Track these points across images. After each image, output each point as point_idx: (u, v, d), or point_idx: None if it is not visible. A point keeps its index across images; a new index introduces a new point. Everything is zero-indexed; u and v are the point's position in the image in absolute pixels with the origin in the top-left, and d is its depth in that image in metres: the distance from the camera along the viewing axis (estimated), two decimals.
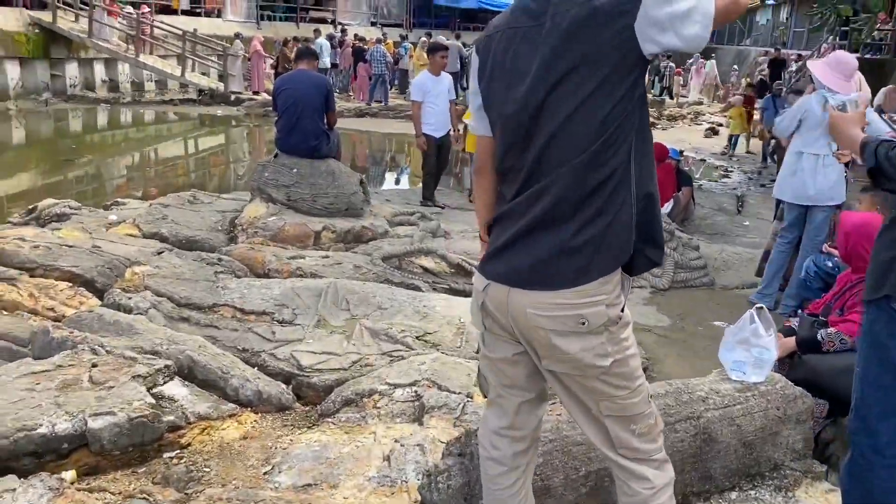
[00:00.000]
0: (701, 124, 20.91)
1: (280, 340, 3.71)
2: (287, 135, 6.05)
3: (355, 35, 23.08)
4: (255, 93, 20.19)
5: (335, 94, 6.27)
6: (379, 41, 20.28)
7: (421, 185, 8.37)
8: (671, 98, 23.99)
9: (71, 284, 4.38)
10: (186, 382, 3.22)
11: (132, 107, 19.39)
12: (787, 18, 31.58)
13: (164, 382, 3.16)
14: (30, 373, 3.07)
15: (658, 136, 19.42)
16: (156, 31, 20.25)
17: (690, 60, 25.13)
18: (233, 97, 19.47)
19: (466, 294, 4.90)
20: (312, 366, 3.46)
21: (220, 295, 4.19)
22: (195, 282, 4.33)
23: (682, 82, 24.85)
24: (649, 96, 22.15)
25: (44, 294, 4.24)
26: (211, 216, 5.90)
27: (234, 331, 3.84)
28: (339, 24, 28.72)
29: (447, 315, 4.13)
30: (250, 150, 15.70)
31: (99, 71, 20.25)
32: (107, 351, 3.29)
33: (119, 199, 7.10)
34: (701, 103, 23.55)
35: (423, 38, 20.52)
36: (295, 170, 6.03)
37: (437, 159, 8.17)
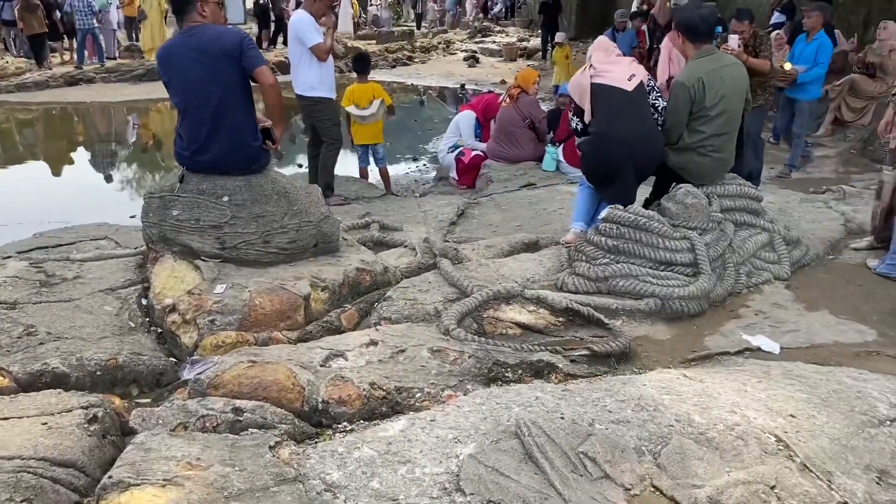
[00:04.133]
0: (455, 53, 20.07)
1: None
2: (200, 143, 3.58)
3: None
4: None
5: None
6: None
7: (317, 171, 6.03)
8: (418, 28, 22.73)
9: None
10: None
11: None
12: None
13: None
14: None
15: (424, 69, 18.18)
16: None
17: None
18: None
19: (618, 357, 3.17)
20: None
21: None
22: (265, 493, 2.06)
23: (435, 7, 23.72)
24: (395, 28, 20.66)
25: None
26: (100, 304, 3.32)
27: None
28: None
29: (727, 424, 2.42)
30: None
31: None
32: None
33: None
34: (445, 31, 22.66)
35: None
36: (226, 197, 3.62)
37: None
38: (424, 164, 9.35)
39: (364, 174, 6.92)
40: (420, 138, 11.21)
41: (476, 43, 20.94)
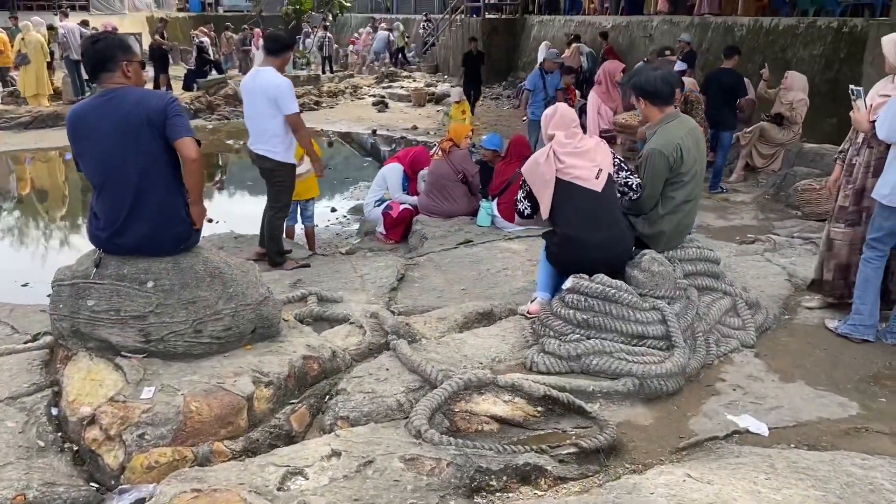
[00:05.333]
0: (364, 98, 19.81)
1: None
2: (120, 223, 3.09)
3: None
4: None
5: None
6: None
7: (265, 236, 5.58)
8: (331, 71, 22.32)
9: None
10: None
11: None
12: None
13: None
14: None
15: (334, 114, 17.78)
16: None
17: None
18: None
19: (606, 451, 2.88)
20: None
21: None
22: None
23: (352, 49, 23.38)
24: (297, 72, 20.23)
25: None
26: (0, 419, 2.76)
27: None
28: None
29: None
30: None
31: None
32: None
33: None
34: (352, 76, 22.38)
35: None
36: (150, 283, 3.14)
37: None
38: (345, 216, 8.95)
39: (290, 233, 6.47)
40: (336, 188, 10.80)
41: (384, 88, 20.75)
